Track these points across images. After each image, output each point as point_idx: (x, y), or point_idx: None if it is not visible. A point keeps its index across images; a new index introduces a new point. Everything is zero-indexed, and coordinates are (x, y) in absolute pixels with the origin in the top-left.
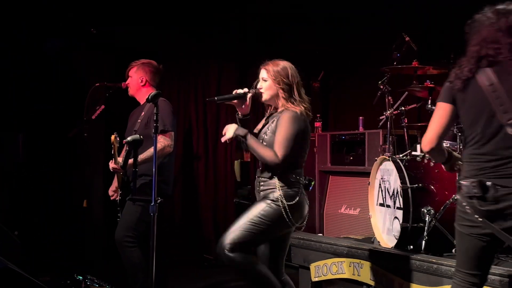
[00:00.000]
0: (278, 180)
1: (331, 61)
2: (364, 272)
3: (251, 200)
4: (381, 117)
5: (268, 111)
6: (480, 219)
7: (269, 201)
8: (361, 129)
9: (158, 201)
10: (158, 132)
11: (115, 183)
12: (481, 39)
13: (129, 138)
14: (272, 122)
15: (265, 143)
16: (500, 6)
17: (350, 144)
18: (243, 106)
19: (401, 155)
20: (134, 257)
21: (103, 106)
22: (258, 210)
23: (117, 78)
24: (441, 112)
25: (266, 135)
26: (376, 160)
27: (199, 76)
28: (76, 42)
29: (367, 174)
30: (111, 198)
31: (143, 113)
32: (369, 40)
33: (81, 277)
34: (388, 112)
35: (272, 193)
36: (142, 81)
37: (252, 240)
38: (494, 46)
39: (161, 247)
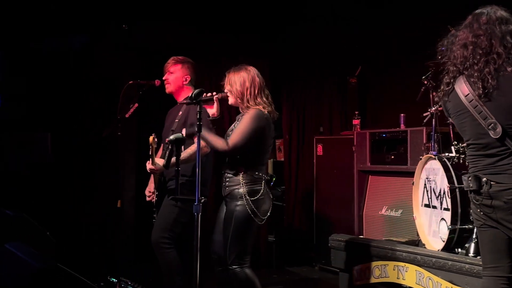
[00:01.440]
0: (242, 177)
1: (369, 55)
2: (409, 275)
3: (285, 201)
4: (425, 114)
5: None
6: (482, 212)
7: (236, 204)
8: (402, 126)
9: (202, 200)
10: (200, 131)
11: (151, 184)
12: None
13: (172, 137)
14: (237, 121)
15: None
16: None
17: (391, 142)
18: (211, 108)
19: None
20: (170, 258)
21: (136, 105)
22: (231, 220)
23: (142, 76)
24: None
25: (231, 132)
26: (420, 159)
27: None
28: (103, 39)
29: (409, 174)
30: (148, 199)
31: (181, 112)
32: (412, 32)
33: (114, 279)
34: (433, 108)
35: (236, 190)
36: (186, 79)
37: (245, 248)
38: (462, 56)
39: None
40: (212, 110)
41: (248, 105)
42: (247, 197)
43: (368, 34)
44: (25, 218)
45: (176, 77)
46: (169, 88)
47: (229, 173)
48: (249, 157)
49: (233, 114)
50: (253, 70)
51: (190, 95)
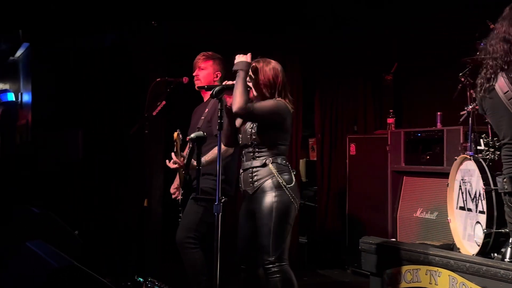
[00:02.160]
0: (273, 166)
1: (406, 51)
2: (442, 281)
3: (317, 202)
4: (461, 113)
5: None
6: None
7: (272, 195)
8: (439, 125)
9: (222, 200)
10: (221, 129)
11: (176, 181)
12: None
13: (192, 135)
14: None
15: (254, 131)
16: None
17: (426, 142)
18: (232, 97)
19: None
20: (195, 259)
21: (164, 102)
22: (270, 213)
23: (170, 73)
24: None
25: (255, 125)
26: (456, 159)
27: None
28: (133, 37)
29: (445, 175)
30: (173, 196)
31: (207, 109)
32: (449, 27)
33: (141, 279)
34: (470, 107)
35: (269, 181)
36: (217, 76)
37: (286, 243)
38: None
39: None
40: (231, 100)
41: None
42: (285, 184)
43: (404, 29)
44: (51, 216)
45: (207, 73)
46: (199, 85)
47: (256, 166)
48: (275, 147)
49: None
50: (279, 64)
51: (211, 91)
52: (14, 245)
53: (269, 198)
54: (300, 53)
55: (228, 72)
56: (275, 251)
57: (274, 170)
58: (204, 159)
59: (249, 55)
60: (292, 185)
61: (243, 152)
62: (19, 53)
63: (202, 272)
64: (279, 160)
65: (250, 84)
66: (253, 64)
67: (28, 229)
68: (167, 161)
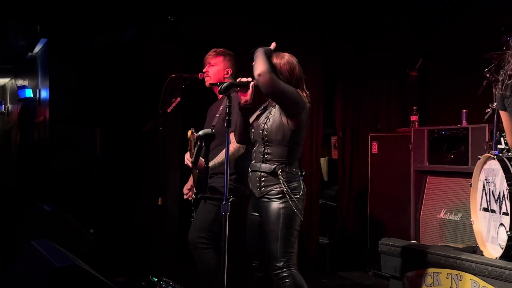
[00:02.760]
0: (281, 174)
1: (430, 47)
2: (463, 285)
3: (338, 202)
4: (487, 110)
5: (264, 104)
6: None
7: (278, 202)
8: (464, 123)
9: (230, 199)
10: (229, 126)
11: (190, 181)
12: None
13: (200, 133)
14: (274, 107)
15: (267, 127)
16: None
17: (451, 140)
18: (246, 95)
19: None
20: (208, 259)
21: (179, 99)
22: (277, 220)
23: (187, 70)
24: (503, 119)
25: (269, 120)
26: (479, 158)
27: None
28: (147, 32)
29: (470, 175)
30: (185, 197)
31: (222, 107)
32: (474, 22)
33: (155, 279)
34: (495, 104)
35: (276, 189)
36: (227, 72)
37: (295, 248)
38: None
39: (237, 249)
40: (246, 97)
41: None
42: (291, 195)
43: (430, 25)
44: (62, 214)
45: (217, 69)
46: (209, 81)
47: (264, 172)
48: (285, 152)
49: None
50: (294, 57)
51: (219, 87)
52: (22, 244)
53: (276, 204)
54: (321, 48)
55: (237, 68)
56: (283, 257)
57: (282, 180)
58: (216, 160)
59: (273, 44)
60: (298, 195)
61: (254, 150)
62: (37, 49)
63: (215, 273)
64: (287, 168)
65: None
66: None
67: (39, 228)
68: (186, 156)
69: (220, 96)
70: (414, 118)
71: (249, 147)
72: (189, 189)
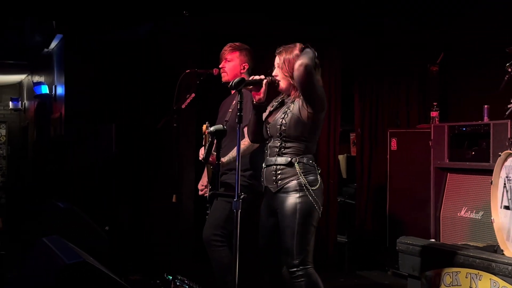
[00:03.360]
0: (298, 166)
1: (452, 40)
2: (482, 284)
3: (356, 199)
4: (508, 106)
5: (276, 100)
6: None
7: (295, 196)
8: (486, 119)
9: (242, 196)
10: (247, 123)
11: (205, 177)
12: None
13: (211, 129)
14: (292, 103)
15: (285, 122)
16: None
17: (472, 136)
18: (259, 93)
19: None
20: (222, 257)
21: (193, 95)
22: (293, 215)
23: (203, 65)
24: None
25: (287, 116)
26: (500, 155)
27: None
28: (163, 28)
29: (492, 172)
30: (200, 193)
31: (234, 102)
32: (496, 14)
33: (170, 277)
34: None
35: (294, 181)
36: (244, 67)
37: (311, 245)
38: None
39: (250, 247)
40: (259, 95)
41: None
42: (308, 187)
43: (451, 18)
44: (76, 211)
45: (234, 65)
46: (225, 77)
47: (281, 164)
48: (303, 143)
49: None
50: (308, 48)
51: (230, 83)
52: (34, 240)
53: (293, 199)
54: (338, 43)
55: (254, 63)
56: (299, 254)
57: (299, 171)
58: (231, 154)
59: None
60: (316, 187)
61: (268, 145)
62: (53, 44)
63: (228, 271)
64: (305, 160)
65: (278, 77)
66: (276, 55)
67: (53, 225)
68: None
69: (233, 91)
70: (434, 114)
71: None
72: (204, 186)
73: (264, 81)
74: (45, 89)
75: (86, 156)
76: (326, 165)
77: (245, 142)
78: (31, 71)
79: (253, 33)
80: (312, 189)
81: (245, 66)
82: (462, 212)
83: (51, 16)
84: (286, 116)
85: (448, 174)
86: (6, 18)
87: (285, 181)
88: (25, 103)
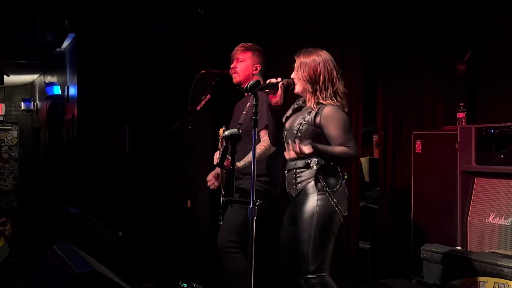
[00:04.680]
0: (317, 168)
1: (480, 38)
2: None
3: (379, 204)
4: None
5: (297, 102)
6: None
7: (313, 199)
8: None
9: (257, 203)
10: (263, 127)
11: (217, 170)
12: None
13: (226, 133)
14: (309, 114)
15: (300, 134)
16: None
17: (500, 139)
18: (276, 96)
19: None
20: (237, 264)
21: (209, 96)
22: (310, 219)
23: (219, 65)
24: None
25: (302, 127)
26: None
27: None
28: (178, 26)
29: None
30: (208, 184)
31: (248, 104)
32: None
33: (185, 285)
34: None
35: (312, 183)
36: (256, 68)
37: (329, 251)
38: None
39: (265, 254)
40: (276, 98)
41: (320, 96)
42: (327, 189)
43: (480, 14)
44: (87, 216)
45: (246, 65)
46: (237, 78)
47: (300, 168)
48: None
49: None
50: (325, 54)
51: (245, 86)
52: (45, 247)
53: (311, 202)
54: (360, 41)
55: (266, 64)
56: (315, 260)
57: (317, 172)
58: (247, 159)
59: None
60: (336, 189)
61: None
62: (65, 44)
63: (243, 279)
64: (324, 162)
65: (295, 80)
66: (295, 57)
67: (64, 231)
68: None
69: (246, 94)
70: (461, 115)
71: (279, 148)
72: (214, 177)
73: (280, 84)
74: (57, 90)
75: (99, 159)
76: (348, 168)
77: (261, 147)
78: (43, 71)
79: (268, 30)
80: (332, 192)
81: (258, 67)
82: (490, 218)
83: (64, 15)
84: (301, 127)
85: (476, 178)
86: (18, 17)
87: (303, 183)
88: (37, 104)
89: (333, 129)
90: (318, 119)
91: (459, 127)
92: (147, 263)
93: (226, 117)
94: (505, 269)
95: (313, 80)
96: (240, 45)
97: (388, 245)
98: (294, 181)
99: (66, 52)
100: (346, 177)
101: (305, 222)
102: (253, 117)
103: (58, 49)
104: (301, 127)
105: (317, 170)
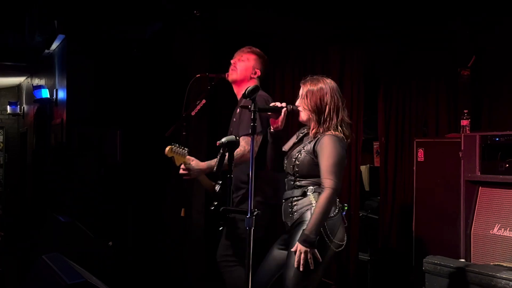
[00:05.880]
0: (313, 195)
1: (485, 42)
2: None
3: (380, 214)
4: None
5: (301, 131)
6: None
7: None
8: None
9: (255, 213)
10: (244, 133)
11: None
12: None
13: (223, 140)
14: (309, 143)
15: (298, 163)
16: None
17: (506, 147)
18: (277, 121)
19: None
20: (234, 277)
21: (204, 101)
22: None
23: (213, 68)
24: None
25: (301, 155)
26: None
27: (317, 63)
28: (172, 28)
29: None
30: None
31: (238, 110)
32: None
33: None
34: None
35: (308, 211)
36: (255, 73)
37: (316, 281)
38: None
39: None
40: (277, 123)
41: (324, 126)
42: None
43: (484, 18)
44: (77, 225)
45: (246, 66)
46: (233, 76)
47: (296, 196)
48: (318, 180)
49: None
50: (332, 83)
51: (244, 91)
52: (36, 257)
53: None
54: (361, 45)
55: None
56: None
57: (314, 201)
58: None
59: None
60: (332, 217)
61: (285, 180)
62: (54, 45)
63: None
64: (320, 190)
65: (300, 108)
66: (301, 85)
67: (54, 240)
68: None
69: (239, 97)
70: (465, 122)
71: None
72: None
73: (283, 109)
74: (45, 93)
75: (89, 165)
76: (348, 177)
77: (240, 149)
78: (31, 73)
79: (268, 31)
80: (328, 221)
81: (257, 72)
82: (495, 230)
83: (53, 16)
84: (300, 155)
85: (480, 187)
86: (5, 17)
87: (300, 212)
88: (24, 108)
89: (323, 159)
90: (316, 147)
91: (463, 134)
92: (139, 273)
93: (222, 123)
94: (511, 283)
95: (319, 110)
96: (248, 46)
97: (389, 257)
98: (290, 209)
99: (55, 53)
100: (346, 208)
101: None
102: (252, 124)
103: (47, 51)
104: (299, 156)
105: (313, 198)
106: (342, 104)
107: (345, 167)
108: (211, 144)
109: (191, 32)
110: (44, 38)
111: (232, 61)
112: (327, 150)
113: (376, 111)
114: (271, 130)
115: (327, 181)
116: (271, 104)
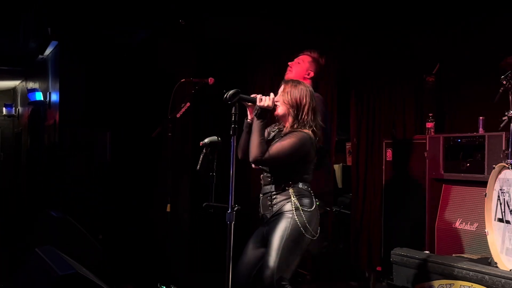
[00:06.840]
0: (292, 190)
1: (447, 52)
2: None
3: (352, 209)
4: (503, 118)
5: (272, 128)
6: None
7: (287, 216)
8: (481, 131)
9: (236, 208)
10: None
11: None
12: None
13: (206, 140)
14: (282, 137)
15: None
16: None
17: (467, 148)
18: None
19: None
20: None
21: (188, 104)
22: (283, 232)
23: (200, 73)
24: None
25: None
26: (494, 168)
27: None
28: (160, 34)
29: (486, 184)
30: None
31: None
32: (493, 27)
33: (164, 287)
34: (511, 112)
35: (288, 203)
36: (309, 74)
37: (293, 266)
38: None
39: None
40: (252, 114)
41: (299, 123)
42: (301, 208)
43: (447, 28)
44: (69, 221)
45: (301, 68)
46: (289, 75)
47: (275, 190)
48: (295, 171)
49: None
50: (311, 89)
51: (225, 95)
52: (29, 251)
53: (285, 220)
54: (335, 51)
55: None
56: (278, 272)
57: (292, 194)
58: None
59: (272, 97)
60: (310, 210)
61: (262, 176)
62: (48, 51)
63: None
64: (300, 185)
65: (278, 103)
66: (282, 83)
67: (47, 234)
68: None
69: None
70: (429, 125)
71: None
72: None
73: (258, 97)
74: (39, 96)
75: (80, 164)
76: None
77: None
78: (26, 77)
79: (249, 40)
80: (305, 211)
81: (310, 73)
82: (457, 224)
83: (47, 23)
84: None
85: (443, 185)
86: (1, 25)
87: (279, 205)
88: (19, 110)
89: (284, 141)
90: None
91: (428, 136)
92: (126, 266)
93: (205, 124)
94: (471, 273)
95: (298, 106)
96: (308, 50)
97: (360, 249)
98: (269, 203)
99: (48, 59)
100: (318, 203)
101: (277, 235)
102: (232, 126)
103: (40, 56)
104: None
105: (292, 192)
106: (317, 106)
107: (289, 159)
108: (195, 144)
109: (176, 40)
110: (38, 44)
111: (289, 63)
112: (292, 138)
113: (348, 114)
114: (248, 120)
115: (263, 154)
116: (251, 95)
